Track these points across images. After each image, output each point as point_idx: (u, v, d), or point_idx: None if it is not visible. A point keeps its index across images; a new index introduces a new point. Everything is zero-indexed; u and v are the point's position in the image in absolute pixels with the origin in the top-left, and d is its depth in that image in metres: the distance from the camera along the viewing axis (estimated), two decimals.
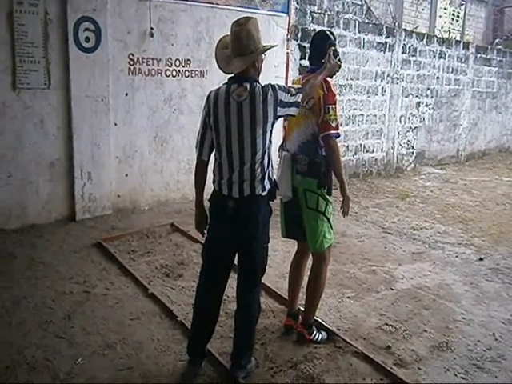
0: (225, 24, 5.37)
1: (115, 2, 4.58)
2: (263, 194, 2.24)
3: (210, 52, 5.22)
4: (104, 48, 4.51)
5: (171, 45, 5.03)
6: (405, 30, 7.79)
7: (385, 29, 7.16)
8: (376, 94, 7.19)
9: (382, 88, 7.26)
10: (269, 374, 2.43)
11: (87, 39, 4.41)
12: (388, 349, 2.70)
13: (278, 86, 2.22)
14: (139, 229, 4.30)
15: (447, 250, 4.36)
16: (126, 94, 4.80)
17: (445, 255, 4.24)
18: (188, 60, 5.15)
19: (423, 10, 11.22)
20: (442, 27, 11.34)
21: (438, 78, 8.23)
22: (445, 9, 11.78)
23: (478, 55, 9.08)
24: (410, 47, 7.59)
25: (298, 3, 5.99)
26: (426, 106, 8.13)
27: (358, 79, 6.87)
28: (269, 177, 2.27)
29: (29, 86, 4.21)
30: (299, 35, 6.07)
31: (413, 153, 8.09)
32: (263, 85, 2.18)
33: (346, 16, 6.64)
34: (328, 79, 2.57)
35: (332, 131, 2.50)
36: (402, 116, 7.70)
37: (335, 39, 2.75)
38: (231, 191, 2.21)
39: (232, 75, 2.23)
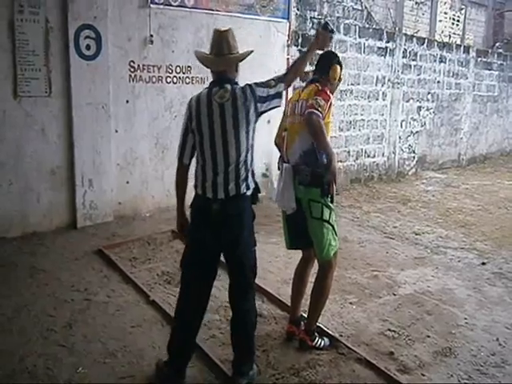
0: None
1: (116, 10, 4.60)
2: (248, 193, 2.26)
3: None
4: (105, 55, 4.53)
5: (172, 52, 5.05)
6: (405, 34, 7.81)
7: (385, 34, 7.18)
8: (377, 99, 7.19)
9: (383, 93, 7.27)
10: (271, 380, 2.42)
11: (88, 47, 4.43)
12: (391, 355, 2.68)
13: (256, 83, 2.26)
14: (140, 236, 4.30)
15: (449, 255, 4.33)
16: (127, 101, 4.81)
17: (447, 260, 4.22)
18: (188, 67, 5.16)
19: (423, 14, 11.25)
20: (442, 31, 11.36)
21: (438, 82, 8.23)
22: (445, 13, 11.82)
23: (479, 59, 9.09)
24: (410, 52, 7.60)
25: (298, 9, 6.01)
26: (427, 110, 8.13)
27: (358, 84, 6.88)
28: (252, 175, 2.30)
29: (30, 93, 4.23)
30: (299, 41, 6.08)
31: (414, 157, 8.08)
32: (242, 86, 2.23)
33: (347, 21, 6.65)
34: (329, 94, 2.57)
35: (315, 110, 2.45)
36: (403, 120, 7.70)
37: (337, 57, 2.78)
38: (216, 193, 2.20)
39: (213, 79, 2.29)
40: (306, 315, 2.82)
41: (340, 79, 2.73)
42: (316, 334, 2.72)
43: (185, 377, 2.33)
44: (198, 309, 2.35)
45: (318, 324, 2.79)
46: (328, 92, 2.58)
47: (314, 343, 2.69)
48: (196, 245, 2.30)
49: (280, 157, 2.78)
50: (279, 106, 2.34)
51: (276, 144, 2.82)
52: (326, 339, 2.74)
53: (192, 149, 2.28)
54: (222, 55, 2.24)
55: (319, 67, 2.74)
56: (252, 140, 2.26)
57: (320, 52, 2.71)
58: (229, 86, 2.20)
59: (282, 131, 2.77)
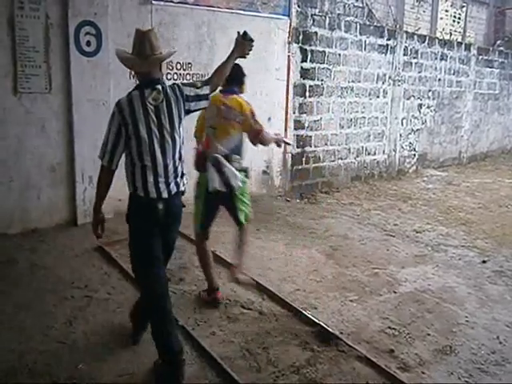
0: (226, 27, 5.37)
1: (116, 6, 4.58)
2: (183, 189, 2.39)
3: (212, 55, 5.23)
4: (105, 52, 4.51)
5: (172, 48, 5.01)
6: (406, 32, 7.79)
7: (386, 31, 7.16)
8: (378, 97, 7.18)
9: (384, 90, 7.25)
10: (271, 378, 2.42)
11: (88, 43, 4.41)
12: (391, 352, 2.68)
13: (182, 83, 2.43)
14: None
15: (450, 253, 4.33)
16: None
17: (448, 258, 4.21)
18: (189, 63, 5.15)
19: (424, 12, 11.23)
20: (443, 29, 11.34)
21: (439, 79, 8.21)
22: (446, 11, 11.79)
23: (480, 57, 9.07)
24: (411, 49, 7.58)
25: (299, 6, 5.99)
26: (428, 108, 8.12)
27: (359, 81, 6.86)
28: (183, 172, 2.41)
29: (30, 90, 4.22)
30: (300, 38, 6.07)
31: (415, 155, 8.07)
32: (171, 85, 2.34)
33: (348, 18, 6.64)
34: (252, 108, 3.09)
35: (264, 130, 3.17)
36: (403, 118, 7.69)
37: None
38: (160, 193, 2.27)
39: (141, 81, 2.32)
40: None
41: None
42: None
43: (184, 378, 2.32)
44: (167, 295, 2.44)
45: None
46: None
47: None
48: (148, 243, 2.34)
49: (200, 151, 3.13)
50: (205, 108, 2.56)
51: (196, 137, 3.23)
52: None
53: (121, 154, 2.27)
54: (145, 56, 2.27)
55: (235, 79, 3.05)
56: (182, 137, 2.35)
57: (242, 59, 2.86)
58: (160, 87, 2.26)
59: (202, 127, 3.15)
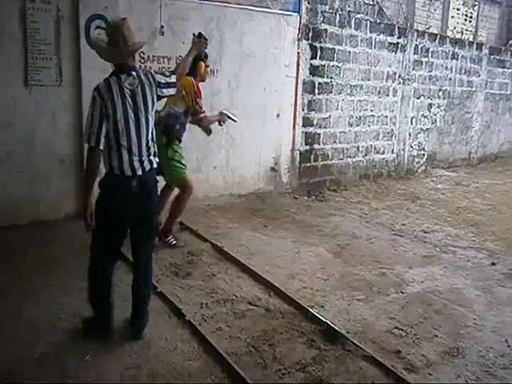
0: (235, 23, 5.35)
1: (126, 0, 4.58)
2: (156, 166, 2.61)
3: (221, 51, 5.21)
4: None
5: (182, 43, 4.98)
6: (417, 30, 7.71)
7: (396, 29, 7.09)
8: (387, 95, 7.13)
9: (394, 89, 7.20)
10: (277, 375, 2.41)
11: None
12: (398, 353, 2.66)
13: (154, 71, 2.70)
14: None
15: (459, 254, 4.29)
16: None
17: (456, 259, 4.18)
18: None
19: (435, 10, 11.09)
20: (454, 28, 11.19)
21: (450, 79, 8.14)
22: (457, 9, 11.64)
23: (492, 56, 8.97)
24: (422, 48, 7.51)
25: (309, 2, 5.95)
26: (438, 107, 8.05)
27: (369, 80, 6.81)
28: (155, 151, 2.62)
29: (40, 82, 4.23)
30: (310, 35, 6.03)
31: (424, 155, 8.01)
32: (144, 72, 2.59)
33: (358, 16, 6.58)
34: (198, 88, 3.78)
35: (202, 114, 3.91)
36: (413, 117, 7.63)
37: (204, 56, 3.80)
38: (134, 170, 2.47)
39: (117, 68, 2.52)
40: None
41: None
42: (170, 234, 3.96)
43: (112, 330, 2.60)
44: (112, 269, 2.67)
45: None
46: (199, 87, 3.83)
47: (167, 239, 3.92)
48: (116, 220, 2.50)
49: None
50: (173, 95, 2.86)
51: None
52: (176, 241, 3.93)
53: (104, 134, 2.41)
54: (120, 48, 2.45)
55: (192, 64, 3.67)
56: (153, 119, 2.59)
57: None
58: (135, 73, 2.49)
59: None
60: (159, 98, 2.64)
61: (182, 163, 3.89)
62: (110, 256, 2.61)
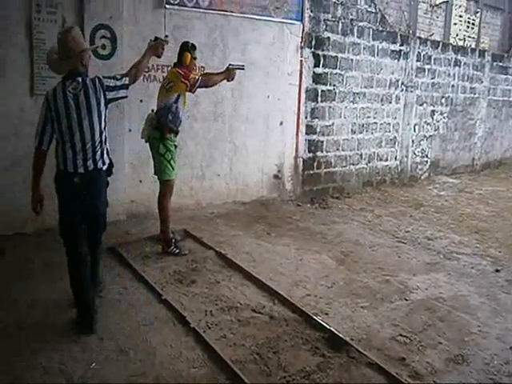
0: (239, 32, 5.40)
1: (131, 10, 4.64)
2: (104, 167, 2.79)
3: (224, 59, 5.25)
4: (120, 55, 4.56)
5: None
6: (419, 37, 7.75)
7: (399, 37, 7.13)
8: (390, 102, 7.15)
9: (396, 96, 7.23)
10: (282, 382, 2.41)
11: (103, 46, 4.46)
12: (402, 360, 2.66)
13: (104, 76, 2.81)
14: (152, 234, 4.32)
15: (463, 261, 4.29)
16: (141, 101, 4.84)
17: (460, 266, 4.17)
18: (202, 67, 5.16)
19: (438, 17, 11.15)
20: (457, 35, 11.23)
21: (453, 86, 8.16)
22: (460, 16, 11.68)
23: (494, 63, 8.99)
24: (424, 55, 7.54)
25: (311, 11, 6.00)
26: (441, 114, 8.06)
27: (371, 87, 6.84)
28: (107, 153, 2.82)
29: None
30: (313, 43, 6.07)
31: (427, 161, 8.02)
32: (92, 77, 2.72)
33: (360, 24, 6.62)
34: (182, 71, 3.82)
35: (202, 77, 3.95)
36: (416, 124, 7.65)
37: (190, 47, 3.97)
38: (76, 168, 2.69)
39: (65, 75, 2.74)
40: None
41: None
42: (172, 243, 3.95)
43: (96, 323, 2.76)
44: (84, 258, 2.87)
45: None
46: (186, 73, 3.83)
47: (170, 250, 3.92)
48: (68, 212, 2.78)
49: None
50: (126, 97, 2.94)
51: None
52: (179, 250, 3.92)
53: (50, 136, 2.72)
54: (66, 58, 2.69)
55: (178, 56, 3.96)
56: (104, 123, 2.76)
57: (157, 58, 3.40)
58: (80, 79, 2.68)
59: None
60: (109, 101, 2.78)
61: (171, 164, 3.91)
62: (75, 238, 2.81)
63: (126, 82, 2.85)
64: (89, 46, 2.87)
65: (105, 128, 2.78)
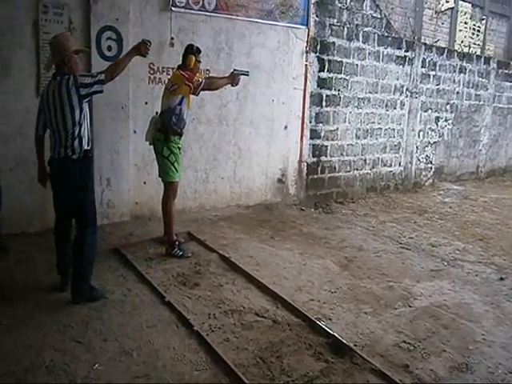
0: (244, 35, 5.42)
1: (137, 12, 4.66)
2: (74, 156, 3.04)
3: (229, 62, 5.27)
4: None
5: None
6: (424, 43, 7.75)
7: (404, 42, 7.14)
8: (395, 108, 7.15)
9: (401, 102, 7.23)
10: None
11: (109, 48, 4.48)
12: (406, 367, 2.64)
13: (80, 74, 3.07)
14: (156, 236, 4.32)
15: (467, 269, 4.26)
16: (146, 103, 4.85)
17: (464, 273, 4.15)
18: (207, 70, 5.19)
19: (443, 24, 11.16)
20: (462, 41, 11.24)
21: (458, 92, 8.16)
22: (465, 23, 11.70)
23: (500, 70, 8.98)
24: (429, 61, 7.55)
25: (317, 16, 6.01)
26: (446, 120, 8.06)
27: (376, 92, 6.84)
28: (79, 143, 3.04)
29: None
30: (318, 47, 6.08)
31: (431, 168, 8.00)
32: (67, 76, 2.97)
33: (366, 29, 6.63)
34: (186, 74, 3.87)
35: (206, 81, 4.02)
36: (420, 130, 7.64)
37: (195, 50, 4.01)
38: (55, 154, 3.07)
39: (53, 73, 3.08)
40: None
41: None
42: (176, 245, 3.97)
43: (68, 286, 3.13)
44: (67, 231, 3.30)
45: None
46: (189, 76, 3.88)
47: (173, 252, 3.93)
48: (53, 189, 3.20)
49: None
50: (101, 91, 3.09)
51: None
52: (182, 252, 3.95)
53: (44, 124, 3.16)
54: (52, 59, 3.08)
55: (182, 58, 4.02)
56: (78, 117, 3.01)
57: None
58: (59, 78, 2.99)
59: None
60: (84, 96, 3.00)
61: (175, 166, 3.94)
62: (62, 215, 3.24)
63: (102, 78, 3.03)
64: (74, 49, 3.10)
65: (80, 120, 3.02)
